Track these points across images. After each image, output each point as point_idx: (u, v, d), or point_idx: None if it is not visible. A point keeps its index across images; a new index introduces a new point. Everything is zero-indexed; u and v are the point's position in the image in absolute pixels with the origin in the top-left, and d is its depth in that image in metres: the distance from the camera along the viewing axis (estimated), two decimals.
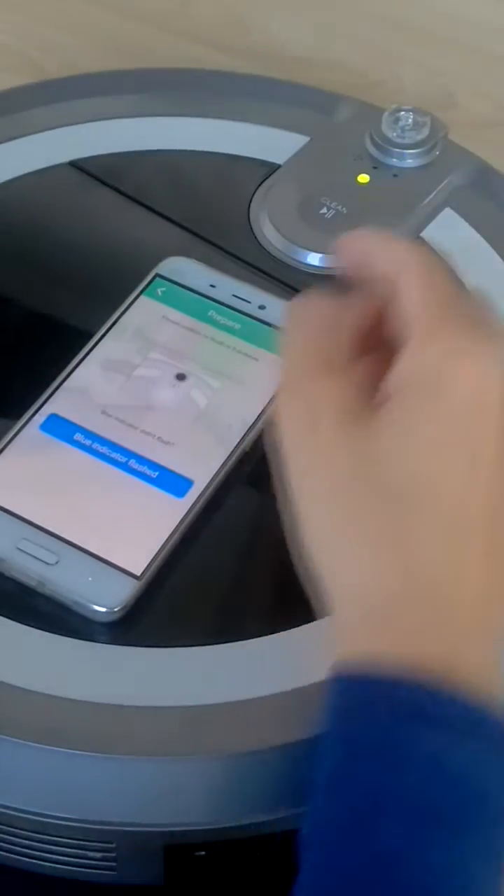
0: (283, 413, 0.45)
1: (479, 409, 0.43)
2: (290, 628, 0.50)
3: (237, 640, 0.49)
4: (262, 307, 0.57)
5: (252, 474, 0.53)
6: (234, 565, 0.52)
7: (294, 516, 0.44)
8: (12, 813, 0.47)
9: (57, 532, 0.50)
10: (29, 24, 0.84)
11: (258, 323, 0.57)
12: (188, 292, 0.58)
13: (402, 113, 0.65)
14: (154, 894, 0.51)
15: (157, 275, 0.58)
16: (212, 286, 0.58)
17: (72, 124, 0.66)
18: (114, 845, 0.48)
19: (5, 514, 0.51)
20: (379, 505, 0.42)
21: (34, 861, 0.50)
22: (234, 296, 0.58)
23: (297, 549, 0.44)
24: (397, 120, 0.65)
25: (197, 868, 0.49)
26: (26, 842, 0.49)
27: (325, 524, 0.43)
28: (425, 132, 0.65)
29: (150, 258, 0.59)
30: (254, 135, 0.66)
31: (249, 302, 0.57)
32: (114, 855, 0.49)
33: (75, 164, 0.64)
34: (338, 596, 0.43)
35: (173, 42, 0.84)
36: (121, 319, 0.57)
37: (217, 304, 0.57)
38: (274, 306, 0.57)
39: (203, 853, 0.49)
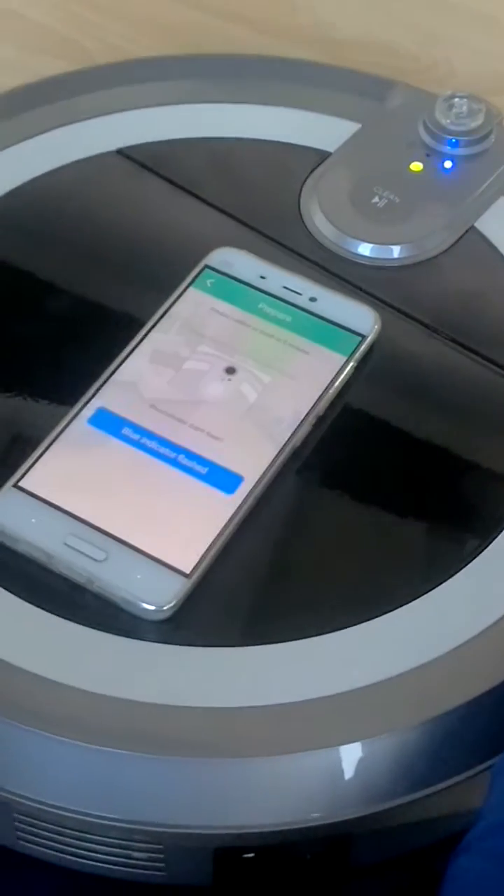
0: None
1: None
2: (345, 627, 0.49)
3: (289, 640, 0.48)
4: (313, 299, 0.56)
5: (303, 470, 0.53)
6: (286, 563, 0.51)
7: None
8: (61, 812, 0.47)
9: (105, 528, 0.49)
10: (77, 9, 0.83)
11: (309, 315, 0.56)
12: (238, 284, 0.57)
13: (457, 99, 0.64)
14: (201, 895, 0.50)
15: (207, 266, 0.57)
16: (262, 277, 0.57)
17: (119, 111, 0.65)
18: (162, 846, 0.48)
19: (53, 510, 0.50)
20: None
21: (81, 860, 0.49)
22: (284, 287, 0.57)
23: None
24: (451, 106, 0.64)
25: (246, 870, 0.49)
26: (73, 841, 0.48)
27: None
28: (480, 119, 0.63)
29: (198, 248, 0.58)
30: (304, 121, 0.65)
31: (300, 294, 0.56)
32: (162, 856, 0.48)
33: (122, 152, 0.63)
34: None
35: (220, 25, 0.82)
36: (169, 311, 0.56)
37: (267, 296, 0.56)
38: (325, 298, 0.56)
39: (252, 855, 0.48)
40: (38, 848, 0.49)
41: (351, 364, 0.55)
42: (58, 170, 0.62)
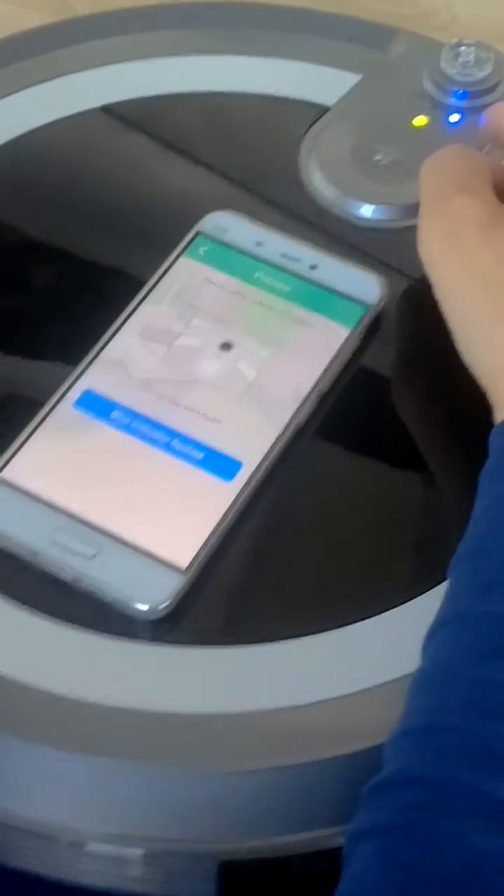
0: (426, 230, 0.49)
1: None
2: (349, 624, 0.46)
3: (292, 639, 0.45)
4: (313, 267, 0.53)
5: (306, 453, 0.49)
6: (289, 555, 0.48)
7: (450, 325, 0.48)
8: (52, 827, 0.44)
9: (94, 522, 0.46)
10: None
11: (310, 284, 0.52)
12: (233, 251, 0.53)
13: (463, 48, 0.60)
14: None
15: (199, 232, 0.54)
16: (258, 244, 0.53)
17: (103, 65, 0.61)
18: (163, 861, 0.45)
19: (38, 503, 0.47)
20: None
21: (74, 874, 0.46)
22: (282, 255, 0.53)
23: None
24: (457, 56, 0.60)
25: (253, 882, 0.46)
26: (66, 855, 0.45)
27: (479, 315, 0.47)
28: (488, 68, 0.59)
29: (189, 212, 0.55)
30: (300, 73, 0.62)
31: (300, 261, 0.53)
32: (162, 870, 0.45)
33: (107, 109, 0.60)
34: (497, 373, 0.46)
35: None
36: (160, 283, 0.52)
37: (264, 265, 0.53)
38: (327, 266, 0.53)
39: (261, 868, 0.45)
40: (30, 861, 0.46)
41: (356, 336, 0.51)
42: (38, 129, 0.59)
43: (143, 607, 0.45)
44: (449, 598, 0.42)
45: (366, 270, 0.53)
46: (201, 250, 0.53)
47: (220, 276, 0.52)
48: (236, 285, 0.52)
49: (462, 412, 0.50)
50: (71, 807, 0.44)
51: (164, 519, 0.47)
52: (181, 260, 0.53)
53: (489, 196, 0.48)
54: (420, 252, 0.49)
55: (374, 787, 0.39)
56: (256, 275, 0.53)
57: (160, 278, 0.52)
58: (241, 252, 0.53)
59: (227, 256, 0.53)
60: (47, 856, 0.46)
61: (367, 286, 0.53)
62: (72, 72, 0.61)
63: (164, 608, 0.45)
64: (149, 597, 0.45)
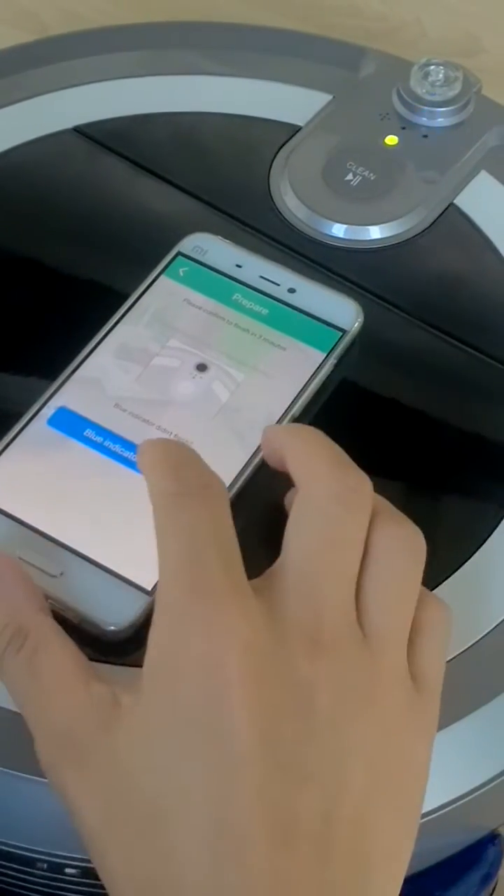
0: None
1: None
2: None
3: None
4: (291, 290, 0.53)
5: (276, 477, 0.49)
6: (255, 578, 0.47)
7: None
8: (29, 855, 0.44)
9: (62, 540, 0.46)
10: None
11: (287, 308, 0.52)
12: (212, 273, 0.53)
13: (433, 67, 0.60)
14: None
15: (179, 253, 0.53)
16: (238, 266, 0.53)
17: (74, 85, 0.61)
18: None
19: (6, 519, 0.46)
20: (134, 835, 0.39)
21: None
22: (261, 277, 0.53)
23: None
24: (427, 75, 0.60)
25: None
26: (44, 882, 0.45)
27: (102, 861, 0.40)
28: (457, 87, 0.60)
29: (162, 234, 0.55)
30: (271, 93, 0.61)
31: (278, 284, 0.53)
32: None
33: (79, 130, 0.60)
34: None
35: None
36: (138, 302, 0.52)
37: (243, 287, 0.53)
38: (305, 290, 0.53)
39: None
40: (8, 885, 0.46)
41: (330, 361, 0.51)
42: (8, 152, 0.58)
43: (109, 627, 0.45)
44: None
45: (343, 296, 0.53)
46: (181, 271, 0.53)
47: (199, 297, 0.52)
48: (214, 307, 0.52)
49: (436, 436, 0.50)
50: (49, 833, 0.44)
51: (133, 539, 0.46)
52: (161, 280, 0.53)
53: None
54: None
55: None
56: (234, 297, 0.52)
57: (139, 298, 0.52)
58: (220, 273, 0.53)
59: (207, 278, 0.53)
60: (26, 881, 0.46)
61: (343, 311, 0.52)
62: (42, 92, 0.61)
63: (130, 628, 0.45)
64: (114, 617, 0.45)
